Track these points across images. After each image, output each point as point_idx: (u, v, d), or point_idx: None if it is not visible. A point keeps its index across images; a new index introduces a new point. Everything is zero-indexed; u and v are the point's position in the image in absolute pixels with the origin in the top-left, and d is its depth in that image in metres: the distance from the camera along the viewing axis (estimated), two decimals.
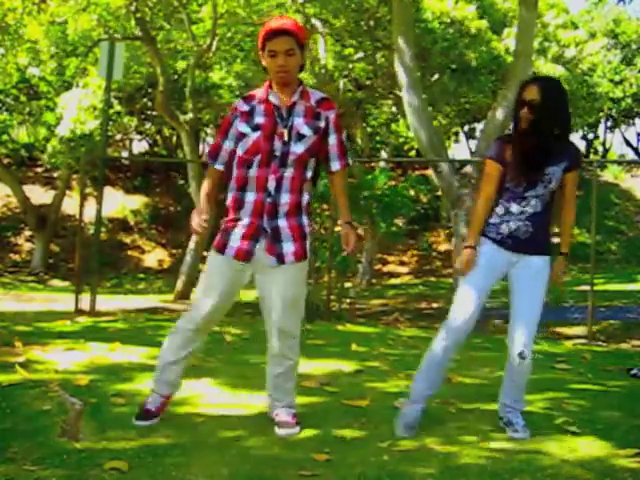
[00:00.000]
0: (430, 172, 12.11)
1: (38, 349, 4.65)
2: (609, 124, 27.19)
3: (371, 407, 3.55)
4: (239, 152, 3.03)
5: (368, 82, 17.21)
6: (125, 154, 23.73)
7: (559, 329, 8.52)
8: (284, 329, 3.06)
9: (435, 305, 12.17)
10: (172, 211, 21.78)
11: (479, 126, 21.93)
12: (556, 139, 3.10)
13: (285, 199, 3.00)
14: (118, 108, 16.64)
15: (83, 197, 9.17)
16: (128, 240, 20.33)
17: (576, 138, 29.18)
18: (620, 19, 23.23)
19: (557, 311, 10.11)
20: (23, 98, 18.60)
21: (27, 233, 19.12)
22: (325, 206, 8.96)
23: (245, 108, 3.06)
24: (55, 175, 19.88)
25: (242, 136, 3.02)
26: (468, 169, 8.01)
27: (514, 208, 3.13)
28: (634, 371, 4.63)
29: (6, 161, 19.99)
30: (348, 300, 10.16)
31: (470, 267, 3.12)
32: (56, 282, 16.05)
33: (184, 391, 3.70)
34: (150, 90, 16.68)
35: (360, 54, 15.68)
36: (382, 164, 16.26)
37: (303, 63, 3.06)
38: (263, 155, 2.98)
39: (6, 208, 20.23)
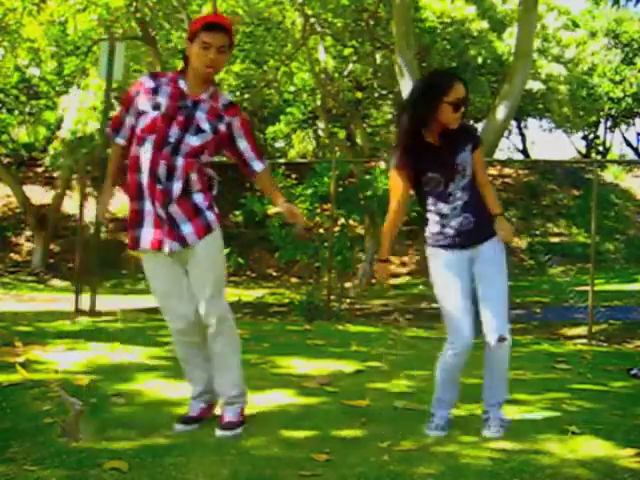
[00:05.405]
0: None
1: (38, 349, 4.65)
2: (609, 124, 27.16)
3: (371, 407, 3.55)
4: (137, 129, 2.98)
5: (368, 82, 17.21)
6: None
7: (559, 329, 8.52)
8: (213, 309, 3.02)
9: (435, 305, 12.10)
10: None
11: (479, 125, 21.94)
12: None
13: (176, 187, 2.95)
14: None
15: (83, 197, 9.18)
16: (128, 240, 20.30)
17: (576, 138, 29.22)
18: (622, 18, 23.21)
19: (557, 311, 10.14)
20: (23, 98, 18.60)
21: (27, 233, 19.10)
22: (325, 206, 8.96)
23: (150, 84, 3.01)
24: (55, 175, 19.86)
25: (142, 113, 2.98)
26: None
27: (445, 209, 3.08)
28: (634, 371, 4.62)
29: (6, 161, 19.98)
30: (348, 300, 10.16)
31: (385, 278, 3.20)
32: (56, 282, 16.04)
33: (184, 391, 3.70)
34: None
35: (360, 54, 15.68)
36: (382, 165, 16.23)
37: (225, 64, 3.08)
38: (158, 137, 2.93)
39: (6, 208, 20.22)
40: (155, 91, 2.98)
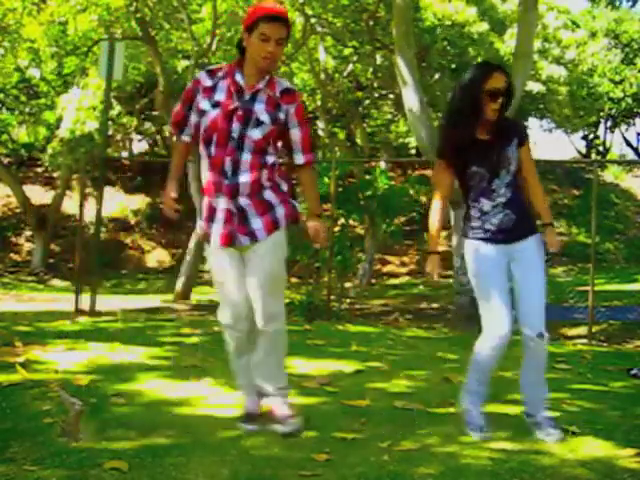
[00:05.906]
0: (430, 172, 12.10)
1: (38, 349, 4.65)
2: (609, 124, 27.17)
3: (371, 407, 3.54)
4: (201, 129, 2.96)
5: (368, 82, 17.22)
6: (125, 154, 23.73)
7: (559, 329, 8.52)
8: (267, 308, 2.97)
9: (435, 305, 12.16)
10: None
11: None
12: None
13: (243, 180, 2.92)
14: (118, 108, 16.64)
15: (83, 197, 9.18)
16: (128, 240, 20.33)
17: (576, 138, 29.22)
18: (622, 18, 23.20)
19: (557, 311, 10.11)
20: (23, 98, 18.61)
21: (27, 233, 19.11)
22: (325, 206, 8.96)
23: (208, 83, 2.97)
24: (55, 175, 19.88)
25: (202, 113, 2.95)
26: None
27: (486, 206, 3.07)
28: (634, 371, 4.63)
29: (6, 161, 19.99)
30: (348, 300, 10.16)
31: (436, 271, 3.12)
32: (56, 282, 16.05)
33: (184, 391, 3.71)
34: (150, 90, 16.66)
35: (360, 54, 15.68)
36: (382, 165, 16.26)
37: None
38: (220, 134, 2.91)
39: (6, 208, 20.23)
40: (213, 89, 2.96)
